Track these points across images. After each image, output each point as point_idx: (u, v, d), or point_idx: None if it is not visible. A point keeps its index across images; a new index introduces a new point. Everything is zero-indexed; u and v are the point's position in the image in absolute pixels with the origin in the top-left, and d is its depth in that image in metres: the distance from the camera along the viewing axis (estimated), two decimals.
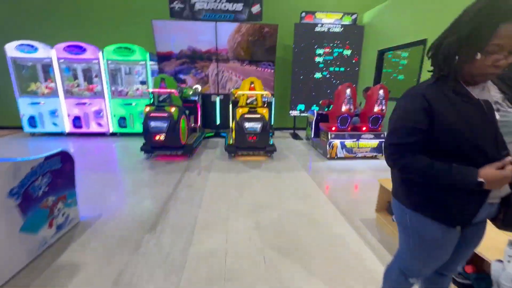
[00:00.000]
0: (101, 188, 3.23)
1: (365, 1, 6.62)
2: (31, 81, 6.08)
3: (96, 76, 6.24)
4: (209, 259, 1.98)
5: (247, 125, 4.04)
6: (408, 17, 4.60)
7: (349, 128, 4.60)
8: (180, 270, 1.85)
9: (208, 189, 3.28)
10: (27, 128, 5.98)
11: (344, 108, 4.35)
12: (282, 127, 7.36)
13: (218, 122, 6.45)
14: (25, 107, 5.83)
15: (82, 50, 5.61)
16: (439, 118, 0.92)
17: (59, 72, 5.73)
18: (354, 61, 6.21)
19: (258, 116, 4.09)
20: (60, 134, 6.12)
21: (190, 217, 2.59)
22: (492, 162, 0.88)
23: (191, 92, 5.27)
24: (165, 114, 3.98)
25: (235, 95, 5.25)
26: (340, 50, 6.11)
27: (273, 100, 5.60)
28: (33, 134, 6.17)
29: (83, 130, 6.04)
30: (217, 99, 6.30)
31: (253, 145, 4.32)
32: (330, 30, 5.99)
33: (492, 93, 0.95)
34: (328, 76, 6.28)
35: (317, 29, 5.97)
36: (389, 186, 2.36)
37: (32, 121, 5.92)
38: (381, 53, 5.51)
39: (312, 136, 5.52)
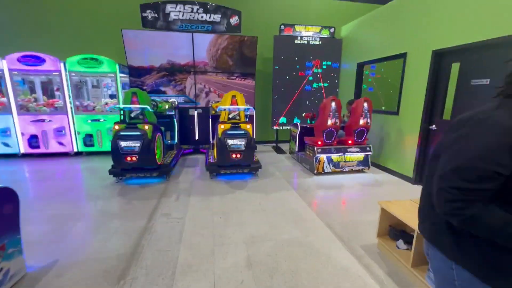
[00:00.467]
0: (57, 225, 2.70)
1: (342, 15, 6.76)
2: None
3: (57, 90, 5.60)
4: None
5: (230, 142, 3.73)
6: (387, 31, 4.67)
7: (334, 142, 4.47)
8: None
9: (189, 217, 2.89)
10: None
11: (329, 121, 4.22)
12: (264, 140, 7.13)
13: (196, 137, 6.05)
14: None
15: (40, 61, 5.00)
16: None
17: (11, 86, 5.03)
18: (333, 74, 6.21)
19: (242, 132, 3.80)
20: (14, 156, 5.33)
21: (169, 257, 2.19)
22: None
23: (167, 107, 4.87)
24: (138, 133, 3.55)
25: (215, 109, 4.95)
26: (321, 63, 6.10)
27: (254, 113, 5.38)
28: None
29: (42, 150, 5.32)
30: (195, 113, 5.93)
31: (237, 163, 4.01)
32: (310, 43, 5.97)
33: None
34: (309, 89, 6.22)
35: (297, 41, 5.92)
36: (391, 208, 2.17)
37: None
38: (361, 66, 5.55)
39: (297, 150, 5.33)
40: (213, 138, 5.23)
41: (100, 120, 5.39)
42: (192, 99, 5.80)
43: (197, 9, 5.32)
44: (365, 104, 4.31)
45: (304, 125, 5.26)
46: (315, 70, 6.11)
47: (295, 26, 5.94)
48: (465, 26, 3.24)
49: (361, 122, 4.35)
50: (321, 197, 3.58)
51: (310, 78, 6.13)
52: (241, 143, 3.76)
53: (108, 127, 5.42)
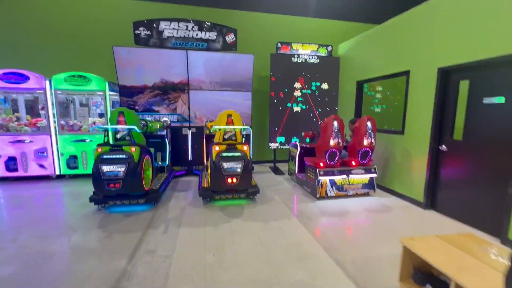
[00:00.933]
0: (21, 266, 2.27)
1: (338, 34, 6.75)
2: None
3: (42, 108, 5.28)
4: None
5: (226, 165, 3.41)
6: (387, 49, 4.56)
7: (337, 164, 4.18)
8: None
9: (178, 255, 2.49)
10: None
11: (332, 142, 3.95)
12: (261, 160, 6.82)
13: (190, 158, 5.71)
14: None
15: (24, 78, 4.71)
16: None
17: None
18: (333, 92, 6.06)
19: (239, 154, 3.49)
20: None
21: None
22: None
23: (158, 126, 4.56)
24: (123, 156, 3.20)
25: (210, 129, 4.67)
26: (318, 82, 5.95)
27: (251, 132, 5.11)
28: None
29: (20, 173, 4.89)
30: (189, 132, 5.63)
31: (233, 188, 3.66)
32: (307, 61, 5.85)
33: None
34: (307, 107, 6.02)
35: (294, 59, 5.80)
36: (416, 248, 1.83)
37: None
38: (360, 84, 5.41)
39: (296, 171, 5.02)
40: (207, 160, 4.90)
41: (86, 141, 5.03)
42: (186, 117, 5.52)
43: (192, 27, 5.19)
44: (369, 123, 4.08)
45: (304, 145, 4.99)
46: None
47: (292, 44, 5.84)
48: (474, 42, 3.10)
49: (365, 142, 4.09)
50: (326, 226, 3.22)
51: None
52: (237, 166, 3.43)
53: (94, 148, 5.05)
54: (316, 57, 5.89)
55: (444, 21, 3.46)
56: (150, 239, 2.79)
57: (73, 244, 2.68)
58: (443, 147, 3.53)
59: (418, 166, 3.89)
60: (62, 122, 5.11)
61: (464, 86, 3.31)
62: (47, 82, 4.85)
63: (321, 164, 4.08)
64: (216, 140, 3.86)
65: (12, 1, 5.38)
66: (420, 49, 3.84)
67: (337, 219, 3.42)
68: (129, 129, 3.49)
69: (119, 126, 3.43)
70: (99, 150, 3.23)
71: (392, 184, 4.45)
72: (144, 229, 3.03)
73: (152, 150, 4.19)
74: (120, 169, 3.13)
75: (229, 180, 3.44)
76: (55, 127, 4.99)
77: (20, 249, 2.57)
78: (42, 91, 4.85)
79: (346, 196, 4.27)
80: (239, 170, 3.44)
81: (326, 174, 4.07)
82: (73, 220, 3.27)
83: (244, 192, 3.89)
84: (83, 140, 5.03)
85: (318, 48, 5.95)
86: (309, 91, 5.97)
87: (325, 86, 6.02)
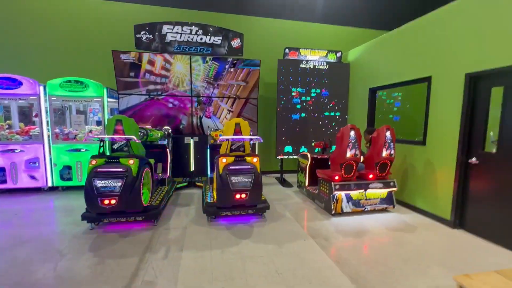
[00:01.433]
0: None
1: (347, 41, 6.53)
2: None
3: (36, 116, 4.96)
4: None
5: (234, 179, 3.07)
6: (404, 54, 4.29)
7: (354, 177, 3.85)
8: None
9: (180, 287, 2.12)
10: None
11: (349, 153, 3.63)
12: (267, 171, 6.47)
13: (192, 168, 5.37)
14: None
15: (16, 83, 4.41)
16: None
17: None
18: (343, 100, 5.77)
19: (248, 167, 3.16)
20: None
21: None
22: None
23: (159, 135, 4.24)
24: (120, 169, 2.87)
25: (215, 138, 4.35)
26: (327, 89, 5.67)
27: (260, 141, 4.80)
28: None
29: (9, 185, 4.53)
30: (191, 141, 5.31)
31: (242, 204, 3.31)
32: (316, 67, 5.59)
33: None
34: (316, 115, 5.72)
35: (302, 65, 5.54)
36: (473, 286, 1.48)
37: None
38: (373, 91, 5.12)
39: (307, 184, 4.67)
40: (211, 171, 4.56)
41: (81, 150, 4.69)
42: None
43: (196, 31, 4.94)
44: (388, 133, 3.76)
45: (316, 156, 4.66)
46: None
47: (300, 50, 5.59)
48: (509, 44, 2.81)
49: (384, 153, 3.76)
50: (348, 249, 2.85)
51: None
52: (247, 180, 3.09)
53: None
54: (325, 63, 5.63)
55: (473, 23, 3.19)
56: (149, 266, 2.43)
57: (58, 273, 2.31)
58: (474, 159, 3.20)
59: (443, 180, 3.55)
60: (57, 130, 4.79)
61: (497, 93, 3.01)
62: (41, 88, 4.55)
63: (336, 178, 3.74)
64: (222, 151, 3.53)
65: (5, 1, 5.15)
66: (443, 54, 3.57)
67: (358, 241, 3.06)
68: (127, 139, 3.16)
69: (116, 136, 3.10)
70: (93, 162, 2.89)
71: (412, 199, 4.10)
72: (141, 253, 2.66)
73: (152, 161, 3.85)
74: (116, 184, 2.79)
75: (238, 196, 3.09)
76: (48, 136, 4.66)
77: None
78: (35, 97, 4.55)
79: (363, 212, 3.91)
80: (248, 184, 3.09)
81: (342, 188, 3.72)
82: (62, 241, 2.90)
83: (253, 208, 3.53)
84: (78, 150, 4.70)
85: (327, 54, 5.70)
86: (318, 98, 5.69)
87: (334, 93, 5.74)
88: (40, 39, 5.30)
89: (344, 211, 3.79)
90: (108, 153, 3.24)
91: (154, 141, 4.28)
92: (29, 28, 5.26)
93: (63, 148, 4.68)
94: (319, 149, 4.81)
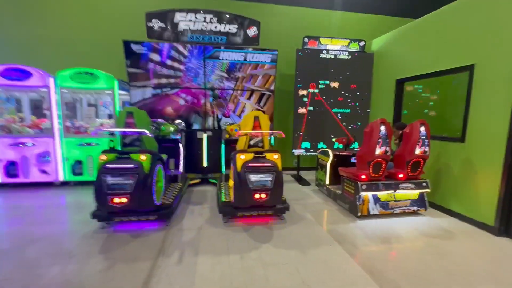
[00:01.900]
0: None
1: (370, 29, 6.09)
2: None
3: (47, 108, 4.84)
4: None
5: (253, 177, 2.80)
6: (439, 41, 3.87)
7: (382, 176, 3.51)
8: None
9: None
10: None
11: (378, 150, 3.29)
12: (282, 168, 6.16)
13: (205, 164, 5.14)
14: None
15: (26, 75, 4.28)
16: None
17: None
18: (366, 93, 5.38)
19: (269, 164, 2.88)
20: None
21: None
22: None
23: (172, 129, 4.02)
24: (131, 165, 2.65)
25: (230, 132, 4.09)
26: (348, 81, 5.29)
27: (275, 137, 4.52)
28: None
29: (20, 179, 4.44)
30: (205, 136, 5.07)
31: (261, 204, 3.05)
32: (337, 57, 5.21)
33: None
34: (335, 109, 5.36)
35: (322, 55, 5.17)
36: None
37: None
38: (400, 83, 4.72)
39: (328, 182, 4.36)
40: (226, 168, 4.32)
41: (92, 144, 4.54)
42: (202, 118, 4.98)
43: (211, 19, 4.65)
44: (422, 129, 3.39)
45: (338, 153, 4.33)
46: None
47: (320, 38, 5.22)
48: None
49: (418, 151, 3.41)
50: (381, 257, 2.55)
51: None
52: (267, 179, 2.82)
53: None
54: (347, 53, 5.24)
55: None
56: (162, 272, 2.21)
57: (67, 277, 2.12)
58: None
59: (486, 182, 3.17)
60: (68, 123, 4.66)
61: None
62: (51, 80, 4.41)
63: (363, 177, 3.42)
64: (240, 146, 3.27)
65: None
66: (491, 38, 3.14)
67: (390, 247, 2.75)
68: (139, 133, 2.94)
69: (127, 129, 2.89)
70: (104, 158, 2.69)
71: (446, 202, 3.73)
72: (154, 256, 2.45)
73: (164, 156, 3.63)
74: (127, 181, 2.58)
75: (257, 196, 2.83)
76: (59, 129, 4.53)
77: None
78: (45, 89, 4.41)
79: (392, 214, 3.58)
80: (269, 183, 2.82)
81: (369, 188, 3.40)
82: (71, 241, 2.73)
83: (272, 209, 3.26)
84: (89, 144, 4.55)
85: (349, 43, 5.30)
86: (338, 91, 5.32)
87: (356, 85, 5.35)
88: (49, 30, 5.16)
89: (371, 213, 3.48)
90: (119, 148, 3.04)
91: (166, 136, 4.06)
92: (38, 18, 5.12)
93: (74, 142, 4.55)
94: (341, 145, 4.48)
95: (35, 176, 4.48)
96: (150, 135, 3.00)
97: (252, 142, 3.25)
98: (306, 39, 5.17)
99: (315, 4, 5.94)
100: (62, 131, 4.53)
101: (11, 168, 4.39)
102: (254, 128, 3.18)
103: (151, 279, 2.12)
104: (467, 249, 2.76)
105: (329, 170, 4.34)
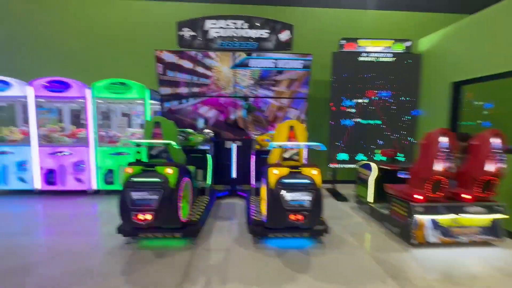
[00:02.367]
0: None
1: (414, 27, 5.49)
2: (9, 124, 4.88)
3: (84, 118, 5.01)
4: None
5: (289, 196, 2.45)
6: (507, 37, 3.24)
7: (443, 197, 2.93)
8: None
9: None
10: None
11: (439, 166, 2.74)
12: None
13: (233, 175, 4.89)
14: None
15: (66, 86, 4.45)
16: None
17: (34, 114, 4.50)
18: (413, 98, 4.78)
19: (307, 181, 2.52)
20: (30, 192, 4.65)
21: None
22: None
23: (200, 139, 3.85)
24: (156, 179, 2.47)
25: (261, 143, 3.80)
26: (392, 86, 4.75)
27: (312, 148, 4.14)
28: None
29: (58, 187, 4.58)
30: (233, 146, 4.84)
31: (297, 225, 2.67)
32: (379, 60, 4.71)
33: None
34: (377, 117, 4.82)
35: (361, 58, 4.71)
36: None
37: None
38: (457, 87, 4.07)
39: (371, 200, 3.84)
40: (255, 180, 4.02)
41: (123, 154, 4.55)
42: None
43: (241, 24, 4.49)
44: (495, 140, 2.78)
45: (383, 166, 3.80)
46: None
47: (358, 40, 4.78)
48: None
49: (489, 167, 2.79)
50: None
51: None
52: (305, 198, 2.45)
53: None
54: (391, 54, 4.72)
55: None
56: None
57: None
58: None
59: None
60: (102, 133, 4.75)
61: None
62: (88, 91, 4.53)
63: (419, 197, 2.88)
64: (273, 159, 2.95)
65: (52, 8, 5.37)
66: None
67: None
68: (165, 144, 2.77)
69: (153, 140, 2.73)
70: (129, 170, 2.54)
71: None
72: (178, 282, 2.19)
73: (192, 168, 3.45)
74: (153, 197, 2.39)
75: (293, 217, 2.47)
76: (94, 139, 4.61)
77: None
78: (82, 100, 4.54)
79: (456, 244, 2.96)
80: (307, 204, 2.45)
81: (426, 211, 2.85)
82: (95, 257, 2.60)
83: (309, 231, 2.86)
84: (121, 153, 4.56)
85: (393, 44, 4.78)
86: (379, 97, 4.79)
87: (401, 90, 4.78)
88: (83, 42, 5.42)
89: (428, 241, 2.90)
90: (145, 160, 2.90)
91: (195, 146, 3.90)
92: (74, 31, 5.41)
93: (107, 151, 4.60)
94: (386, 158, 3.95)
95: (71, 184, 4.59)
96: (176, 146, 2.81)
97: (286, 155, 2.91)
98: (343, 41, 4.76)
99: (351, 5, 5.53)
100: (97, 141, 4.61)
101: (49, 176, 4.54)
102: (289, 139, 2.85)
103: None
104: None
105: (373, 186, 3.82)
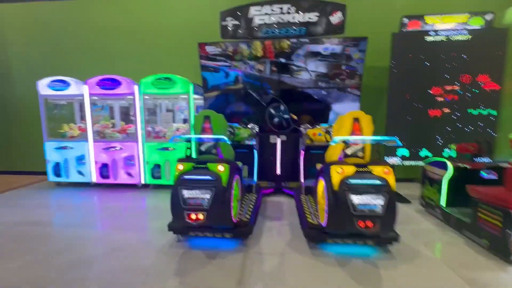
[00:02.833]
0: None
1: None
2: (69, 121, 5.26)
3: (133, 115, 5.17)
4: None
5: (357, 199, 2.10)
6: None
7: None
8: None
9: None
10: (52, 177, 4.99)
11: None
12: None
13: (278, 172, 4.63)
14: (51, 152, 4.89)
15: (116, 83, 4.59)
16: None
17: (89, 111, 4.74)
18: (496, 85, 3.99)
19: (378, 182, 2.14)
20: (87, 185, 4.97)
21: None
22: None
23: (246, 135, 3.65)
24: (208, 177, 2.31)
25: (312, 138, 3.47)
26: (468, 71, 4.01)
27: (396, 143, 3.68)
28: (58, 184, 5.15)
29: (111, 180, 4.80)
30: (278, 141, 4.57)
31: (364, 233, 2.32)
32: (451, 39, 4.00)
33: None
34: (448, 107, 4.13)
35: (429, 38, 4.04)
36: None
37: (57, 168, 4.92)
38: None
39: (443, 203, 3.28)
40: (305, 178, 3.71)
41: (169, 149, 4.57)
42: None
43: (288, 9, 4.14)
44: None
45: (461, 165, 3.20)
46: (457, 78, 4.03)
47: (425, 17, 4.11)
48: None
49: None
50: None
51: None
52: (377, 202, 2.08)
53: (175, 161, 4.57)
54: (466, 31, 3.97)
55: None
56: None
57: None
58: None
59: None
60: (149, 128, 4.84)
61: None
62: (136, 87, 4.62)
63: None
64: (331, 156, 2.61)
65: (103, 14, 5.59)
66: None
67: None
68: (216, 140, 2.60)
69: (204, 136, 2.59)
70: (180, 167, 2.43)
71: None
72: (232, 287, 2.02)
73: (239, 164, 3.27)
74: (205, 196, 2.24)
75: (361, 224, 2.12)
76: (142, 134, 4.72)
77: None
78: (131, 96, 4.66)
79: None
80: (379, 209, 2.08)
81: None
82: (148, 255, 2.56)
83: (374, 237, 2.49)
84: (167, 149, 4.60)
85: (469, 19, 4.01)
86: (451, 82, 4.08)
87: (479, 76, 4.01)
88: (130, 40, 5.56)
89: None
90: (194, 156, 2.79)
91: (241, 141, 3.72)
92: (120, 32, 5.58)
93: (154, 147, 4.67)
94: (469, 154, 3.33)
95: (122, 178, 4.78)
96: (228, 142, 2.63)
97: (349, 152, 2.55)
98: (405, 20, 4.14)
99: None
100: (144, 136, 4.71)
101: (103, 169, 4.78)
102: (353, 132, 2.48)
103: None
104: None
105: (447, 187, 3.25)
